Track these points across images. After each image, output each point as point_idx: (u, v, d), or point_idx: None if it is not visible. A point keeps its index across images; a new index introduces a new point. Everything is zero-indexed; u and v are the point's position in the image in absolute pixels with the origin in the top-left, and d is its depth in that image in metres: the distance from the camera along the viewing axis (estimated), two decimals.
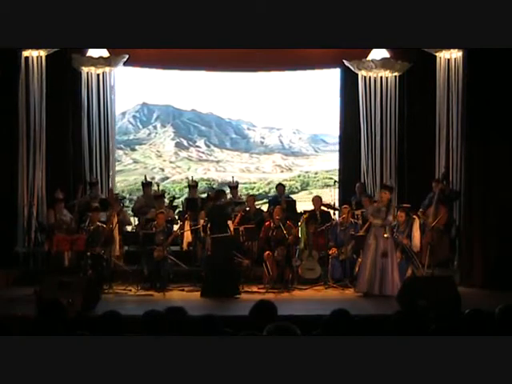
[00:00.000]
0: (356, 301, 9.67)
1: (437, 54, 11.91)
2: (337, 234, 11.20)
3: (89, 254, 10.32)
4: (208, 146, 15.94)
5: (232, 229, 10.36)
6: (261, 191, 14.02)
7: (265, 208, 12.79)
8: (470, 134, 10.84)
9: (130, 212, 12.71)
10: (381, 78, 12.85)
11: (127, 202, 12.96)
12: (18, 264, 11.26)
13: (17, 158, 11.60)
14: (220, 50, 10.51)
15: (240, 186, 13.25)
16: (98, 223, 10.84)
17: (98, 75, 12.76)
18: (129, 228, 12.20)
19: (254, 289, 10.38)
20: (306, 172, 15.71)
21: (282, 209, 11.13)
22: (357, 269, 10.51)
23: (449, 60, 11.80)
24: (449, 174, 11.57)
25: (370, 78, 12.89)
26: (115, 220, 10.93)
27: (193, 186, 12.79)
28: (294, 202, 12.60)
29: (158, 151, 15.05)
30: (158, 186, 13.25)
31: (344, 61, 12.80)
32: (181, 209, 12.52)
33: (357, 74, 12.96)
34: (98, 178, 12.71)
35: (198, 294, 10.12)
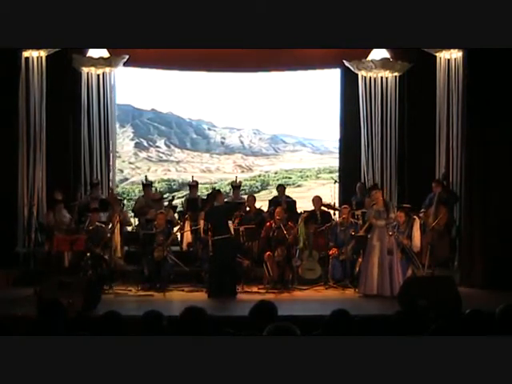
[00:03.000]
0: (356, 301, 9.67)
1: (437, 54, 11.91)
2: (337, 234, 11.19)
3: (89, 254, 10.32)
4: (168, 147, 15.76)
5: (232, 230, 10.36)
6: (222, 191, 13.95)
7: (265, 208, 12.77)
8: (470, 134, 10.83)
9: (130, 213, 12.72)
10: (381, 78, 12.86)
11: None
12: (18, 264, 11.25)
13: (17, 158, 11.59)
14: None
15: (200, 186, 13.29)
16: (98, 223, 10.84)
17: (98, 75, 12.76)
18: (129, 228, 12.20)
19: (254, 289, 10.37)
20: (266, 172, 15.76)
21: (283, 209, 11.13)
22: (357, 269, 10.51)
23: (449, 60, 11.80)
24: (449, 174, 11.57)
25: (370, 78, 12.90)
26: (116, 220, 10.94)
27: (193, 185, 12.76)
28: (295, 202, 12.59)
29: (116, 152, 14.80)
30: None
31: (344, 61, 12.80)
32: (181, 209, 12.52)
33: (357, 74, 12.97)
34: (98, 178, 12.72)
35: (198, 294, 10.13)
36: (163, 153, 15.66)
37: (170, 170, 15.48)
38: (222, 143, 15.85)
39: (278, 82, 14.50)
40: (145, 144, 15.70)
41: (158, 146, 15.70)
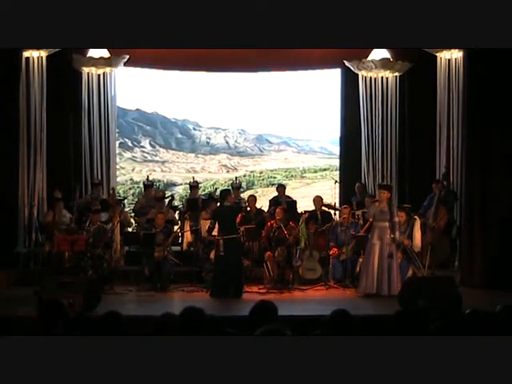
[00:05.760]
0: (356, 301, 9.66)
1: (437, 54, 11.91)
2: (337, 234, 11.19)
3: (89, 254, 10.32)
4: (153, 147, 15.71)
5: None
6: (206, 192, 13.94)
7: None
8: (471, 133, 10.83)
9: (131, 213, 12.72)
10: (381, 78, 12.86)
11: None
12: (19, 264, 11.25)
13: (17, 158, 11.59)
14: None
15: (185, 186, 13.25)
16: (99, 223, 10.84)
17: (99, 75, 12.77)
18: (129, 228, 12.20)
19: (255, 289, 10.37)
20: (251, 171, 15.77)
21: (284, 209, 11.13)
22: (358, 269, 10.50)
23: (449, 60, 11.80)
24: (449, 174, 11.57)
25: (370, 78, 12.90)
26: (117, 221, 10.94)
27: (194, 186, 12.77)
28: (295, 202, 12.60)
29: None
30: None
31: (344, 61, 12.80)
32: (181, 209, 12.52)
33: (357, 74, 12.96)
34: (99, 178, 12.72)
35: (199, 294, 10.13)
36: (148, 153, 15.66)
37: (155, 171, 15.48)
38: (208, 143, 15.87)
39: (277, 82, 14.51)
40: (129, 144, 15.65)
41: (142, 146, 15.67)
